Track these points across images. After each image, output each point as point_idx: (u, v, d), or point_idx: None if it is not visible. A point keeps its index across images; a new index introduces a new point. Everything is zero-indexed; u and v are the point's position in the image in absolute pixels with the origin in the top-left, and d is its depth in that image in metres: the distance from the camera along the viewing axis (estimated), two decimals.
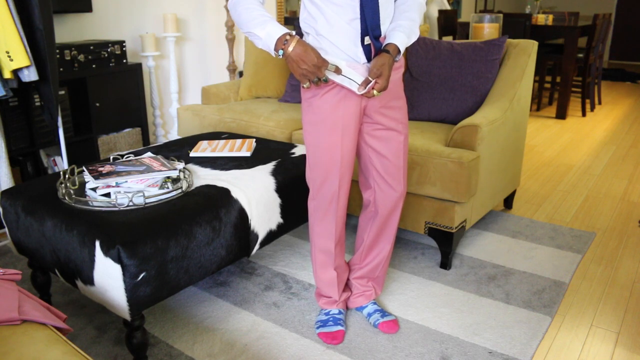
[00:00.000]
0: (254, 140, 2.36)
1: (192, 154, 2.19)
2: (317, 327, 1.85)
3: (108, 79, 3.17)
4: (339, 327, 1.83)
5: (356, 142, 1.68)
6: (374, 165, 1.72)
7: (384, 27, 1.55)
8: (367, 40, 1.52)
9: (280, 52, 1.47)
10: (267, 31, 1.47)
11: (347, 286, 1.95)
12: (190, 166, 2.07)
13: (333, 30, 1.52)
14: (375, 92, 1.52)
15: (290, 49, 1.45)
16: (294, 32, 1.50)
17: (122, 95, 3.27)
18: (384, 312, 1.90)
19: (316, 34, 1.55)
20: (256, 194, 1.87)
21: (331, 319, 1.85)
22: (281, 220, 1.99)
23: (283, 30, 1.47)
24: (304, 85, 1.52)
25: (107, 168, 1.81)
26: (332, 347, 1.78)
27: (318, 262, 1.82)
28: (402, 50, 1.55)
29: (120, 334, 1.85)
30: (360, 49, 1.53)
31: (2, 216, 1.90)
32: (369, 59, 1.55)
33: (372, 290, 1.92)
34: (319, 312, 1.94)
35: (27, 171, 2.86)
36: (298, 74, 1.49)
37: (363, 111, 1.65)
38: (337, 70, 1.50)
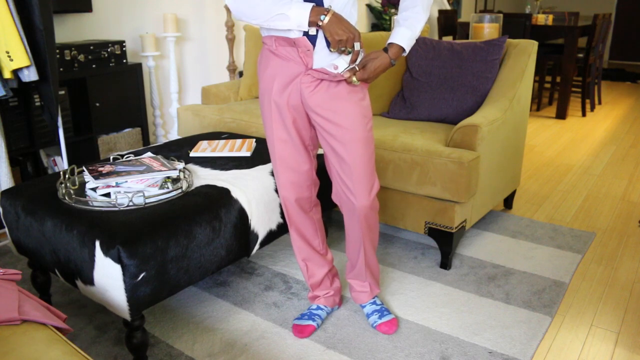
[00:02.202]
0: (254, 140, 2.36)
1: (192, 154, 2.19)
2: (294, 318, 1.90)
3: (108, 79, 3.17)
4: (310, 322, 1.86)
5: (299, 136, 1.65)
6: (333, 165, 1.67)
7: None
8: (313, 31, 1.51)
9: (324, 16, 1.44)
10: (296, 11, 1.45)
11: (332, 287, 1.94)
12: (190, 166, 2.06)
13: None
14: (354, 79, 1.54)
15: (326, 21, 1.45)
16: (326, 6, 1.48)
17: (122, 95, 3.27)
18: (382, 312, 1.89)
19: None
20: (256, 194, 1.87)
21: (307, 313, 1.90)
22: (281, 220, 1.99)
23: (311, 4, 1.45)
24: (331, 50, 1.50)
25: (107, 168, 1.81)
26: (332, 346, 1.78)
27: (293, 245, 1.85)
28: (408, 48, 1.56)
29: (120, 334, 1.85)
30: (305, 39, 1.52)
31: (2, 216, 1.89)
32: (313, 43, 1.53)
33: (367, 292, 1.91)
34: None
35: (27, 171, 2.86)
36: (335, 42, 1.47)
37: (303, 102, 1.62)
38: (356, 53, 1.51)
